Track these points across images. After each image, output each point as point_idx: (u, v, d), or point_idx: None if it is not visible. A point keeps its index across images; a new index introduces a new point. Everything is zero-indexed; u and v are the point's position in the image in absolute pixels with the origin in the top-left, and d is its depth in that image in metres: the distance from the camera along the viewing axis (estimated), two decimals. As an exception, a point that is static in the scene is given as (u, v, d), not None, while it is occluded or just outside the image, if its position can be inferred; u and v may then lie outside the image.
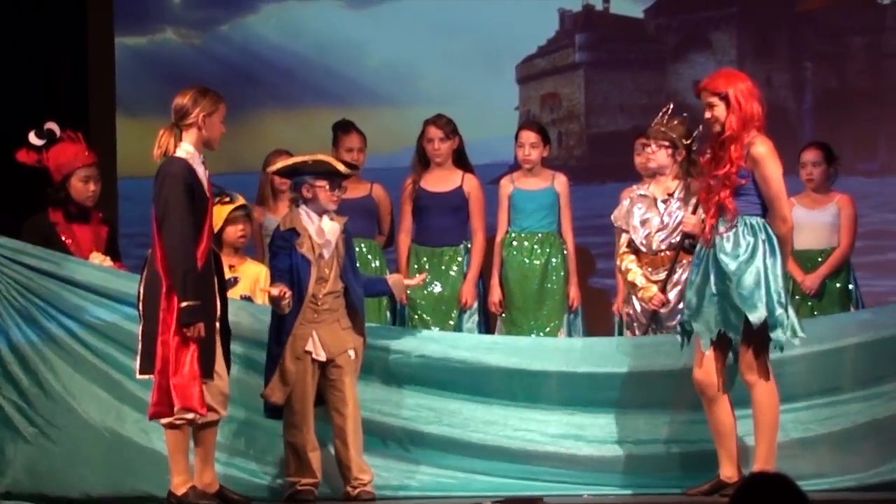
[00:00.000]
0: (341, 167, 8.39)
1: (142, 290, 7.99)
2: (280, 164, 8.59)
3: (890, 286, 11.08)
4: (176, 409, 7.86)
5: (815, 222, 9.78)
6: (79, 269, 8.81)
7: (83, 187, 9.18)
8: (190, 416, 7.90)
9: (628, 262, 9.03)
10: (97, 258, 9.08)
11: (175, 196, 7.84)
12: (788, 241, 7.84)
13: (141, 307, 7.98)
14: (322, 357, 8.19)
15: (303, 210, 8.33)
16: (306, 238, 8.27)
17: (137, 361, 7.96)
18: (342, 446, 8.25)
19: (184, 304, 7.77)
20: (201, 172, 7.98)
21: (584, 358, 8.86)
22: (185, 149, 7.93)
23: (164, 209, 7.87)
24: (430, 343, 8.80)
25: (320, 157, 8.45)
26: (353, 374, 8.30)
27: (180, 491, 7.93)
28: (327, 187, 8.31)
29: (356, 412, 8.27)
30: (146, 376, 7.94)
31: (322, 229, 8.30)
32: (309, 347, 8.19)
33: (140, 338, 7.96)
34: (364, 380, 8.56)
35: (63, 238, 9.19)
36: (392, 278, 8.81)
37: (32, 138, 9.08)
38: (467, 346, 8.91)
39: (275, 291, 8.15)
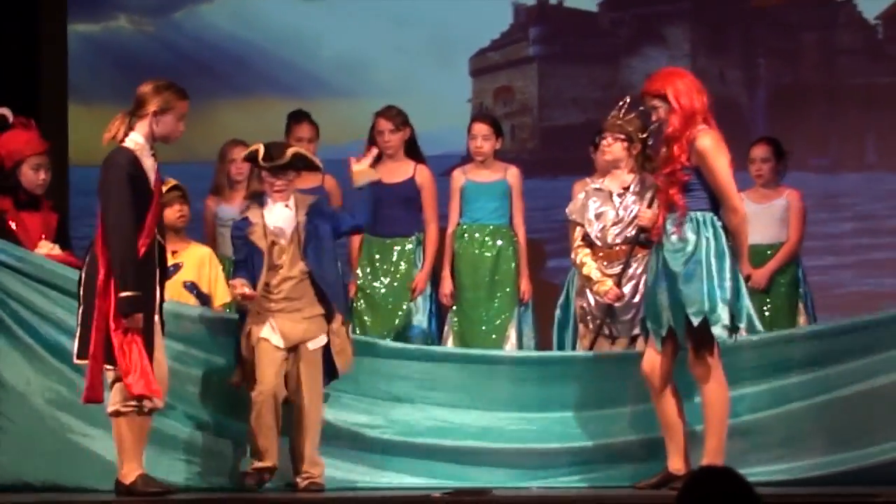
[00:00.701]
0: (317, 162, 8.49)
1: (83, 276, 8.00)
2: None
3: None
4: (132, 396, 7.86)
5: (764, 217, 9.73)
6: (26, 258, 8.75)
7: (34, 175, 9.12)
8: (149, 403, 7.92)
9: (583, 256, 9.01)
10: (45, 247, 9.04)
11: (117, 187, 7.86)
12: (742, 232, 7.84)
13: (81, 292, 7.98)
14: (280, 344, 8.18)
15: (266, 199, 8.38)
16: (258, 226, 8.28)
17: (75, 346, 7.97)
18: (295, 436, 8.25)
19: (122, 294, 7.79)
20: (148, 164, 7.97)
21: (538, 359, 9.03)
22: (134, 139, 7.93)
23: (105, 199, 7.90)
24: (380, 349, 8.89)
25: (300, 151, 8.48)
26: (312, 366, 8.27)
27: (129, 479, 7.96)
28: (268, 176, 8.36)
29: (312, 404, 8.25)
30: (83, 361, 7.95)
31: (274, 217, 8.32)
32: (265, 334, 8.18)
33: (78, 322, 7.97)
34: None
35: (12, 225, 9.13)
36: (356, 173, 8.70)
37: None
38: (417, 354, 8.98)
39: (237, 291, 8.21)
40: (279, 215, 8.29)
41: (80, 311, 7.97)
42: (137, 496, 7.91)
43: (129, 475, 7.95)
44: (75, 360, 8.04)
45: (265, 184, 8.41)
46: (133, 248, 7.86)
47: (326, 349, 8.32)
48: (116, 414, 7.95)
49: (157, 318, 8.03)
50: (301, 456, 8.26)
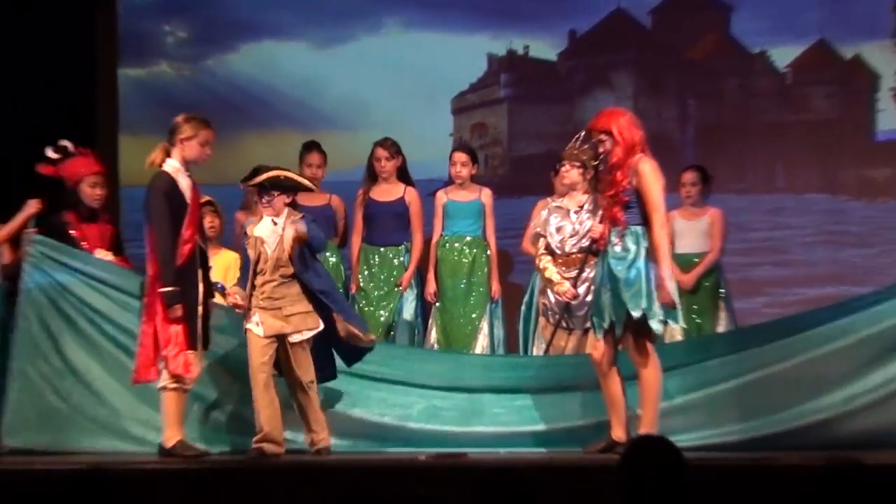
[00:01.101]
0: (307, 183, 8.44)
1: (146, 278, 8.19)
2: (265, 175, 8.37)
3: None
4: (170, 375, 8.01)
5: (692, 231, 9.77)
6: (87, 259, 8.85)
7: (91, 191, 9.14)
8: (185, 382, 8.07)
9: (546, 262, 9.07)
10: (101, 253, 9.07)
11: (157, 205, 8.01)
12: (663, 244, 7.79)
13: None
14: (261, 333, 8.13)
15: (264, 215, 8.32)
16: (251, 237, 8.26)
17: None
18: (299, 409, 8.27)
19: (163, 289, 7.93)
20: (184, 184, 8.07)
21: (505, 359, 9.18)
22: (171, 164, 8.07)
23: (148, 215, 8.05)
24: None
25: (288, 174, 8.38)
26: (297, 352, 8.19)
27: (170, 444, 8.05)
28: (254, 194, 8.36)
29: (304, 381, 8.20)
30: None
31: (260, 229, 8.27)
32: (250, 326, 8.17)
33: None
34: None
35: (74, 233, 9.13)
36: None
37: (49, 153, 9.09)
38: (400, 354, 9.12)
39: (230, 300, 8.37)
40: (264, 228, 8.25)
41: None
42: (176, 457, 7.97)
43: (170, 440, 8.06)
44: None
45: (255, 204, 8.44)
46: (171, 251, 7.97)
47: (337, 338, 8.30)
48: (163, 389, 8.07)
49: (200, 310, 8.12)
50: (307, 425, 8.28)
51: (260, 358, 8.14)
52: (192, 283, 8.09)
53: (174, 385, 8.08)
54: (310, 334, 8.22)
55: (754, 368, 8.40)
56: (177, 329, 8.02)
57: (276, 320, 8.18)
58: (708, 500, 4.42)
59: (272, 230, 8.24)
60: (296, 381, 8.22)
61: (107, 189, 9.36)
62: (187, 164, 8.15)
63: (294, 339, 8.19)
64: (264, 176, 8.23)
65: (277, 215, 8.25)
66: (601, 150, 8.02)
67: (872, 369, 8.27)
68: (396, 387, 8.72)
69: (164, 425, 8.15)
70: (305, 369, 8.22)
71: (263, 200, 8.21)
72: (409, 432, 8.60)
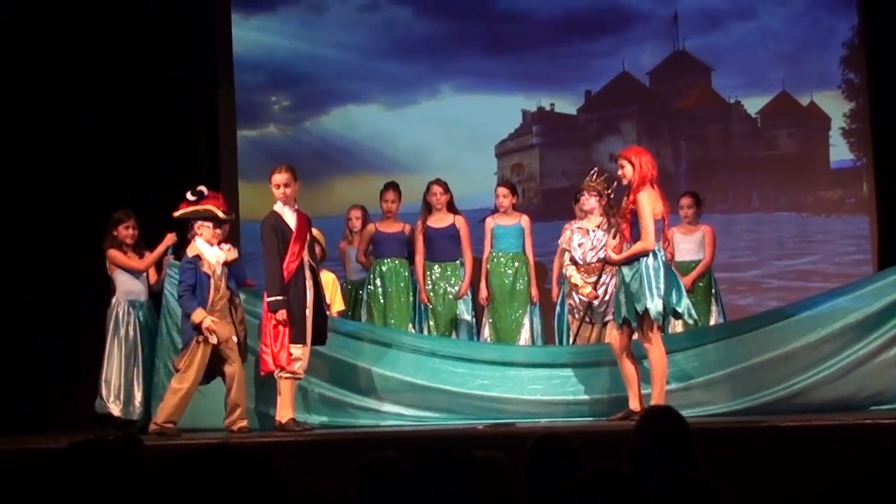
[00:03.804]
0: (221, 215, 8.37)
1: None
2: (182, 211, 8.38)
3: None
4: (279, 367, 7.98)
5: (689, 243, 9.72)
6: None
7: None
8: (294, 371, 8.02)
9: (571, 271, 9.11)
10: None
11: (266, 236, 8.05)
12: (633, 250, 7.77)
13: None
14: (215, 341, 8.12)
15: (199, 242, 8.27)
16: (205, 261, 8.22)
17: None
18: (228, 392, 8.23)
19: (268, 298, 7.95)
20: (289, 217, 8.09)
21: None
22: (278, 204, 8.14)
23: (262, 244, 8.09)
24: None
25: (208, 206, 8.36)
26: (239, 351, 8.22)
27: (284, 420, 8.04)
28: (212, 226, 8.30)
29: (240, 372, 8.20)
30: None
31: (213, 254, 8.27)
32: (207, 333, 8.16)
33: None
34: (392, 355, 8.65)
35: None
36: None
37: (188, 196, 9.17)
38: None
39: (206, 325, 8.07)
40: (216, 254, 8.28)
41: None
42: (289, 431, 7.96)
43: (284, 417, 8.04)
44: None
45: (204, 233, 8.31)
46: (277, 269, 7.97)
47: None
48: (279, 377, 8.04)
49: (308, 312, 8.04)
50: (233, 405, 8.21)
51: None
52: (299, 294, 8.02)
53: (286, 374, 8.02)
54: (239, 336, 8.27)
55: (741, 358, 8.38)
56: (282, 330, 7.95)
57: (224, 326, 8.17)
58: (707, 457, 4.34)
59: (221, 255, 8.27)
60: (228, 371, 8.20)
61: (229, 226, 9.29)
62: (285, 202, 8.13)
63: (235, 339, 8.18)
64: (181, 213, 8.27)
65: (220, 243, 8.29)
66: (620, 173, 7.94)
67: (834, 353, 8.30)
68: (459, 368, 8.67)
69: (278, 406, 8.10)
70: (239, 362, 8.23)
71: (217, 231, 8.29)
72: (471, 398, 8.55)
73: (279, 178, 8.16)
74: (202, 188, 8.96)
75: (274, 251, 8.01)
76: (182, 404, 8.16)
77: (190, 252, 8.28)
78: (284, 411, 8.06)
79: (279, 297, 7.95)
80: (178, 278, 8.33)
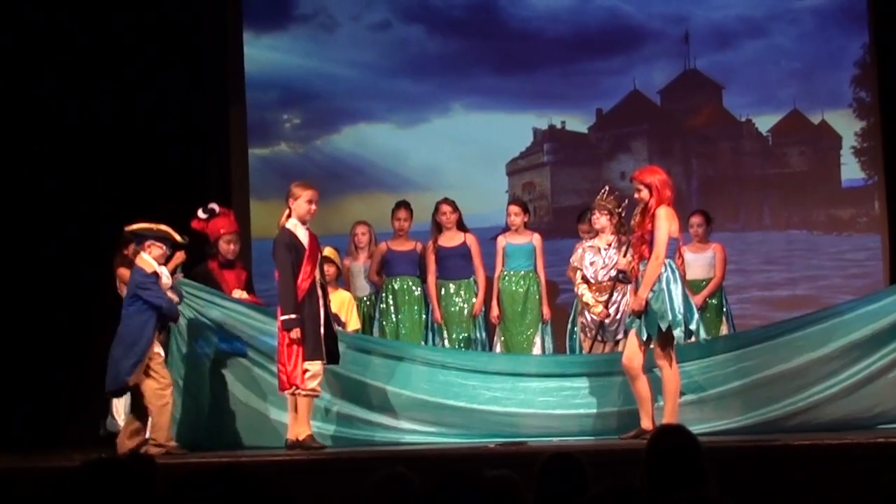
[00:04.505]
0: (178, 238, 8.39)
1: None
2: (138, 226, 8.37)
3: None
4: (293, 385, 7.96)
5: (699, 262, 9.70)
6: (224, 298, 8.90)
7: (226, 247, 9.21)
8: (312, 389, 7.99)
9: (583, 289, 9.11)
10: (237, 293, 9.12)
11: (280, 253, 8.01)
12: (649, 274, 7.76)
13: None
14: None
15: (148, 258, 8.23)
16: (161, 278, 8.25)
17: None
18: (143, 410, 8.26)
19: (283, 317, 7.92)
20: (301, 234, 8.06)
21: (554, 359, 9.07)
22: (291, 221, 8.09)
23: (275, 261, 8.05)
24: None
25: (162, 227, 8.36)
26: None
27: (301, 438, 7.98)
28: (164, 248, 8.29)
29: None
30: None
31: (164, 275, 8.28)
32: (157, 349, 8.26)
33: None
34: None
35: (216, 279, 9.23)
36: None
37: (200, 213, 9.17)
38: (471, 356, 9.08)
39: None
40: (166, 272, 8.34)
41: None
42: (305, 449, 7.93)
43: (300, 435, 7.99)
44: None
45: (155, 252, 8.29)
46: (291, 287, 7.93)
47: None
48: (294, 394, 8.01)
49: (321, 331, 8.02)
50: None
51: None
52: (313, 311, 8.02)
53: (303, 392, 8.00)
54: None
55: (751, 371, 8.36)
56: (296, 348, 7.94)
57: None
58: (719, 476, 4.32)
59: (165, 276, 8.28)
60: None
61: (239, 244, 9.38)
62: (302, 220, 8.10)
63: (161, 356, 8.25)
64: (130, 230, 8.26)
65: (165, 265, 8.28)
66: (636, 196, 7.95)
67: (843, 367, 8.28)
68: (471, 381, 8.65)
69: (294, 423, 8.06)
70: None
71: (166, 251, 8.27)
72: (483, 413, 8.53)
73: (313, 194, 8.15)
74: (213, 206, 9.02)
75: (288, 269, 8.00)
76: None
77: (147, 268, 8.22)
78: (301, 429, 8.03)
79: (293, 316, 7.93)
80: (139, 293, 8.23)
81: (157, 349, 8.27)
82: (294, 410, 8.06)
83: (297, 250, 8.05)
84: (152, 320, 8.15)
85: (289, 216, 8.13)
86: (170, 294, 8.28)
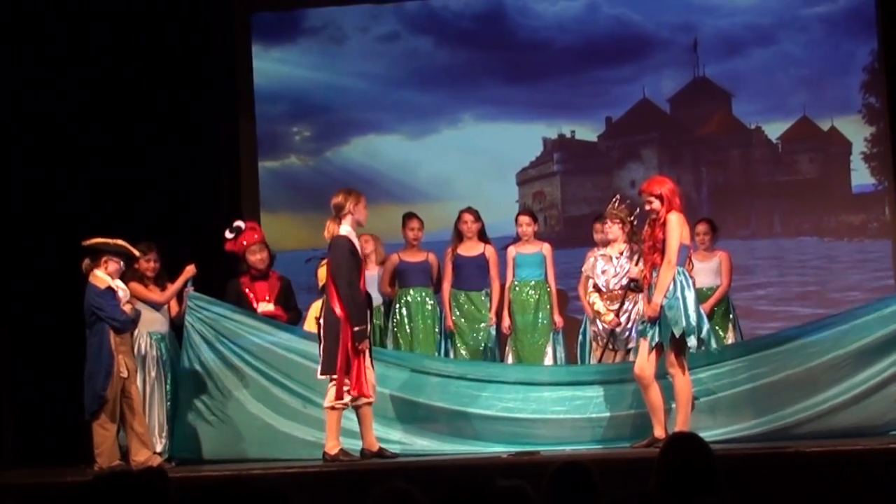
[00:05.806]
0: (136, 253, 8.42)
1: (322, 320, 8.02)
2: (94, 241, 8.37)
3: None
4: (351, 396, 7.86)
5: (706, 270, 9.62)
6: (234, 310, 8.92)
7: (253, 258, 9.20)
8: (365, 400, 7.92)
9: (594, 298, 9.11)
10: (262, 306, 9.10)
11: (343, 260, 7.91)
12: (668, 277, 7.80)
13: (321, 332, 7.98)
14: (125, 374, 8.27)
15: (103, 275, 8.23)
16: (119, 293, 8.27)
17: (319, 367, 7.95)
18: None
19: (356, 328, 7.82)
20: (357, 242, 8.05)
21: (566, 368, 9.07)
22: (345, 229, 8.01)
23: (336, 269, 7.91)
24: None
25: (119, 241, 8.35)
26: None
27: (333, 452, 7.94)
28: (121, 263, 8.31)
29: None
30: (325, 377, 7.93)
31: (121, 289, 8.29)
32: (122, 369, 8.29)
33: (321, 351, 7.92)
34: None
35: (246, 291, 9.23)
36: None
37: (227, 234, 9.17)
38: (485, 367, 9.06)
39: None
40: (120, 288, 8.34)
41: (322, 344, 7.91)
42: (339, 462, 7.88)
43: (333, 449, 7.93)
44: (319, 377, 7.97)
45: (113, 268, 8.33)
46: (358, 297, 7.88)
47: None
48: (331, 409, 7.95)
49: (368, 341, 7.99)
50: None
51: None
52: (368, 321, 8.06)
53: (340, 405, 7.96)
54: None
55: (762, 377, 8.34)
56: (360, 359, 7.89)
57: (130, 360, 8.34)
58: (732, 484, 4.32)
59: (123, 288, 8.30)
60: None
61: (267, 251, 9.32)
62: (360, 224, 8.13)
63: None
64: (90, 243, 8.24)
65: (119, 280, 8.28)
66: (648, 208, 7.97)
67: (854, 373, 8.27)
68: (484, 391, 8.65)
69: (328, 436, 8.00)
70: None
71: (122, 266, 8.32)
72: (496, 421, 8.53)
73: (365, 198, 8.16)
74: (239, 223, 8.99)
75: (355, 277, 7.93)
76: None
77: (101, 284, 8.22)
78: (335, 442, 7.98)
79: (365, 327, 7.89)
80: (96, 312, 8.25)
81: (131, 365, 8.30)
82: (361, 422, 8.02)
83: (357, 257, 8.02)
84: (109, 334, 8.20)
85: (339, 225, 8.05)
86: (125, 307, 8.27)
